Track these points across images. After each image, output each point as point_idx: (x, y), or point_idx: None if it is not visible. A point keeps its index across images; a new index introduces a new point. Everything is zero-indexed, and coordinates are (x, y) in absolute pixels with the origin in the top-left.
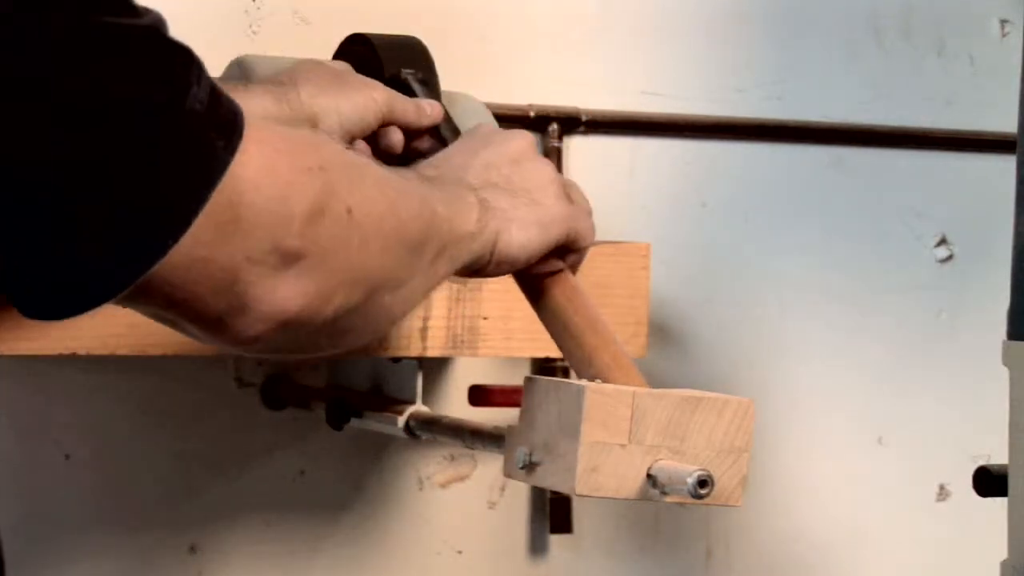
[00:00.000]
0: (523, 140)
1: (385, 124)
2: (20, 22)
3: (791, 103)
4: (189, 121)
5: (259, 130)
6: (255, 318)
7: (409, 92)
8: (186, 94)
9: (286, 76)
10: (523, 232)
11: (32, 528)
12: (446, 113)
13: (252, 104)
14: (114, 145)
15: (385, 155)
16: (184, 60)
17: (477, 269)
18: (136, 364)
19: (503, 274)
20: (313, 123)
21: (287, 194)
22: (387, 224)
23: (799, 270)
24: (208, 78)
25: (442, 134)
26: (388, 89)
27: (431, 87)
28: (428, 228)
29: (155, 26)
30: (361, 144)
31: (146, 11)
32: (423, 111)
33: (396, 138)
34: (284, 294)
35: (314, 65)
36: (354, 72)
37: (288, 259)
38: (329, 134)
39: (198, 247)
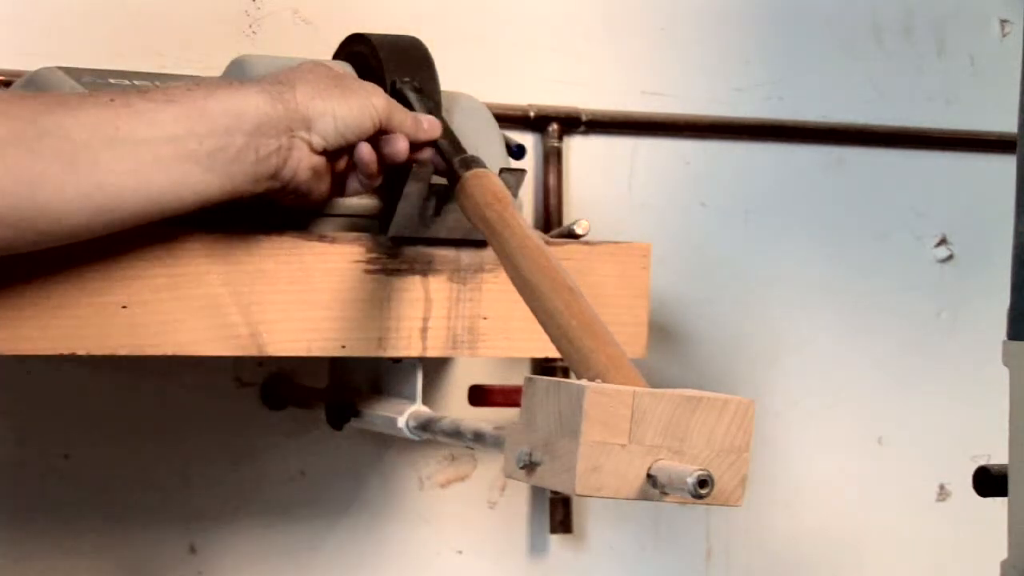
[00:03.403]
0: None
1: (382, 131)
2: None
3: (791, 103)
4: None
5: None
6: None
7: (406, 103)
8: None
9: (284, 76)
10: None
11: (32, 528)
12: (446, 127)
13: (244, 102)
14: None
15: (389, 162)
16: None
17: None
18: (136, 364)
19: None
20: (308, 125)
21: None
22: None
23: (799, 270)
24: None
25: (440, 147)
26: (388, 97)
27: (429, 94)
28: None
29: None
30: (365, 148)
31: None
32: (421, 127)
33: (401, 146)
34: None
35: (314, 66)
36: (355, 76)
37: None
38: (324, 138)
39: None
